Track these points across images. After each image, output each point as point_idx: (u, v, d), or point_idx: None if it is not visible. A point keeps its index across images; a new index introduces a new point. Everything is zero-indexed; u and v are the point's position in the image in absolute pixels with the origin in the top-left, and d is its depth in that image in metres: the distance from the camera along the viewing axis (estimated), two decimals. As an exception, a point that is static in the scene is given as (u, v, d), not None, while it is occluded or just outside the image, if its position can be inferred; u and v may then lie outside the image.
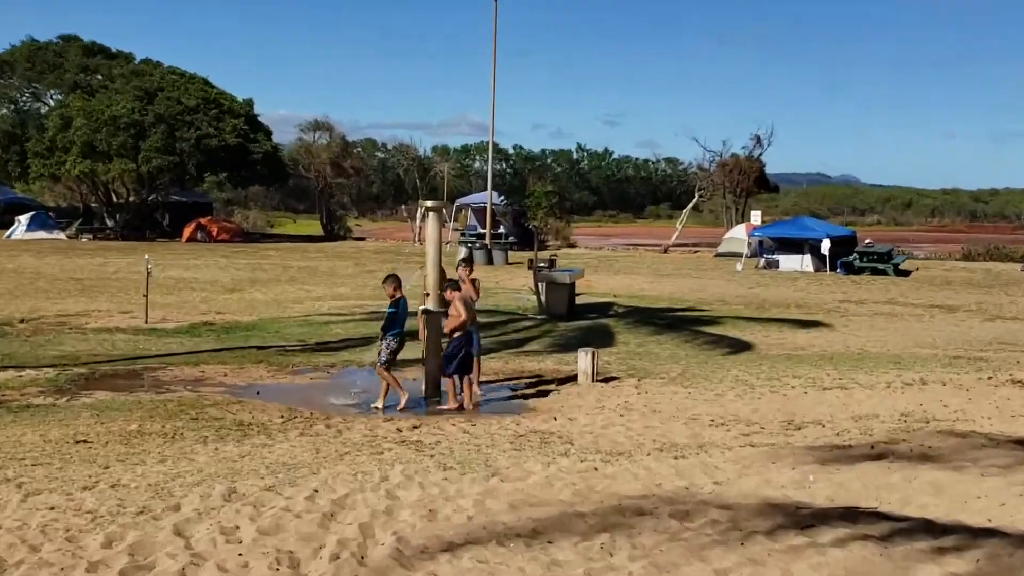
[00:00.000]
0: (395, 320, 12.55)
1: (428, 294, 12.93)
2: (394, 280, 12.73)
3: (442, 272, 13.32)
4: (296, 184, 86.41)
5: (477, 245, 44.16)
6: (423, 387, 13.01)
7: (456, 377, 12.32)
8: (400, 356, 12.74)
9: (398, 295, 12.64)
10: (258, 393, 13.04)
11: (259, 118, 61.51)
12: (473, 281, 13.36)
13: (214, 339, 18.40)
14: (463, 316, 12.28)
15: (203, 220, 55.53)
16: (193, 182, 63.08)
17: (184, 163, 55.37)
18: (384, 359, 12.59)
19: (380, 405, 12.36)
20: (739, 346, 18.26)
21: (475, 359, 12.90)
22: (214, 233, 54.38)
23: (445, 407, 12.17)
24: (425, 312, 12.92)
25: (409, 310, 12.73)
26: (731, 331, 20.43)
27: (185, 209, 58.62)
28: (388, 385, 12.45)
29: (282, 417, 11.39)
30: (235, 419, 11.19)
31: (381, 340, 12.62)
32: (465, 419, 11.51)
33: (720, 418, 11.57)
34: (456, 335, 12.37)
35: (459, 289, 12.55)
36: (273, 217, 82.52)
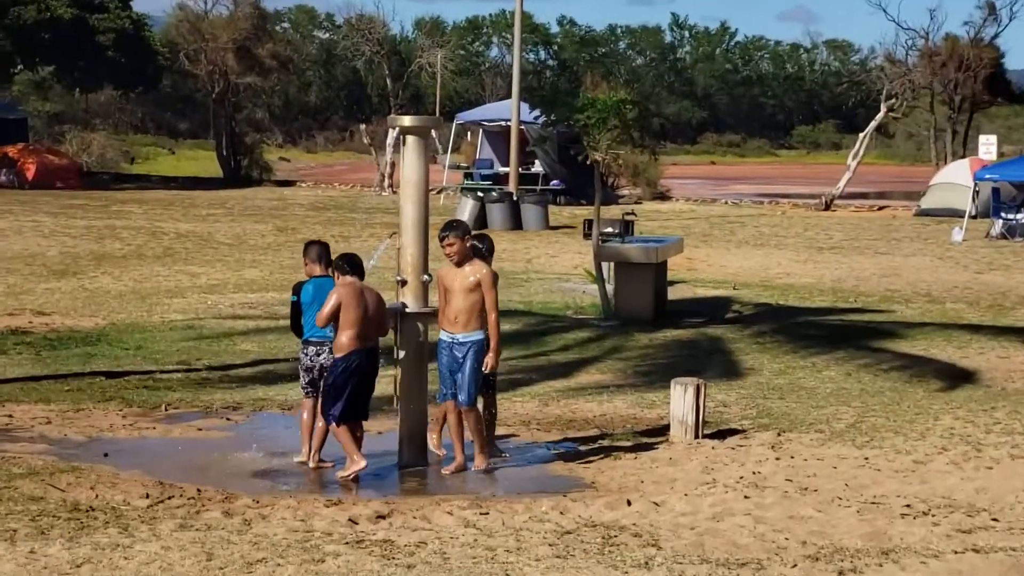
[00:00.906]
0: (296, 317, 13.09)
1: (404, 281, 12.94)
2: (317, 250, 13.11)
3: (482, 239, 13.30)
4: (176, 88, 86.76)
5: (494, 195, 44.23)
6: (398, 447, 13.10)
7: (343, 427, 12.49)
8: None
9: (317, 273, 13.04)
10: (106, 455, 13.08)
11: (110, -29, 61.90)
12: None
13: (29, 359, 18.47)
14: (327, 309, 12.49)
15: (11, 150, 55.84)
16: (-7, 83, 63.32)
17: (-22, 50, 55.67)
18: (304, 385, 13.13)
19: (347, 472, 12.50)
20: (955, 376, 18.19)
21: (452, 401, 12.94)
22: (30, 173, 54.64)
23: (346, 472, 12.47)
24: (398, 313, 12.95)
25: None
26: (941, 349, 20.34)
27: (-21, 131, 59.01)
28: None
29: (148, 496, 11.44)
30: (65, 499, 11.25)
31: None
32: (470, 503, 11.54)
33: (922, 502, 11.55)
34: (336, 356, 12.52)
35: (353, 272, 12.64)
36: (135, 145, 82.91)
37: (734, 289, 27.28)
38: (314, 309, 12.77)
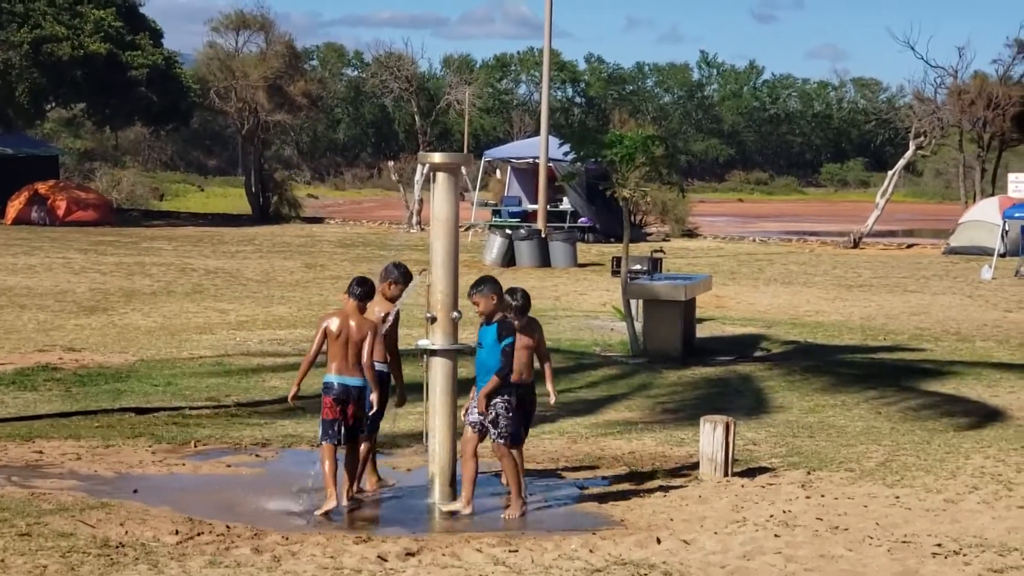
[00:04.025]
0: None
1: (433, 318, 12.94)
2: (492, 288, 12.87)
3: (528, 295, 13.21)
4: (205, 125, 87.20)
5: (522, 232, 44.27)
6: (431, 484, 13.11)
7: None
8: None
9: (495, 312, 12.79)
10: (135, 491, 13.11)
11: (142, 9, 62.26)
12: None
13: (59, 395, 18.51)
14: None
15: (42, 187, 56.12)
16: (25, 120, 63.71)
17: (11, 87, 55.98)
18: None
19: (515, 512, 12.61)
20: (985, 414, 18.11)
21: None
22: (60, 210, 54.92)
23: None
24: (426, 352, 12.97)
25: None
26: (971, 387, 20.25)
27: (11, 168, 59.30)
28: (517, 476, 12.65)
29: (177, 533, 11.45)
30: (95, 536, 11.26)
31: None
32: (499, 540, 11.52)
33: (953, 541, 11.50)
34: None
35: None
36: (165, 182, 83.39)
37: (765, 329, 27.23)
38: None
